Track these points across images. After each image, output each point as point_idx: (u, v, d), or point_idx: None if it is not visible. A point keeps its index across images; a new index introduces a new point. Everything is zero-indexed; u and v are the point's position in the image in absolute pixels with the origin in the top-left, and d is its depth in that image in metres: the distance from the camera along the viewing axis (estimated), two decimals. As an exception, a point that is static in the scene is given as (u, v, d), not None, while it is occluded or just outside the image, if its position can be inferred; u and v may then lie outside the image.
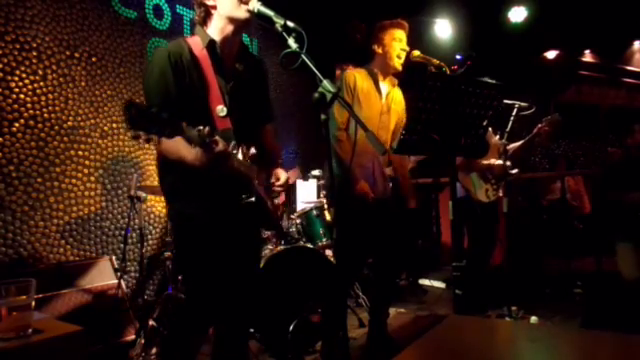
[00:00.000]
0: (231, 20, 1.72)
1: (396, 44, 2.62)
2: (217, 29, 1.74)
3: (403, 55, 2.62)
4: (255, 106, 1.90)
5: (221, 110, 1.55)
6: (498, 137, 3.50)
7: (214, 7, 1.72)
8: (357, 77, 2.65)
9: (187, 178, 1.67)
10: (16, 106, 2.82)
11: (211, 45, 1.72)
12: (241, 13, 1.69)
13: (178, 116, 1.41)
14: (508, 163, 3.30)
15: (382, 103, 2.68)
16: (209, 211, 1.69)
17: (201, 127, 1.46)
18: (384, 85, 2.72)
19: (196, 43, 1.71)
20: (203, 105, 1.64)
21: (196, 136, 1.46)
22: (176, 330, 1.83)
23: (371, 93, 2.65)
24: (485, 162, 3.42)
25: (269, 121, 2.00)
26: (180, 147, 1.54)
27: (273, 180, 1.89)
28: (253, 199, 1.73)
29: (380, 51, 2.68)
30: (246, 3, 1.67)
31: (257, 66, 1.94)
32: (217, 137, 1.52)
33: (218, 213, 1.70)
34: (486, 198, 3.45)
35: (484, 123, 2.01)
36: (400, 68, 2.65)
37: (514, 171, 3.36)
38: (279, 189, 1.93)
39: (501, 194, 3.51)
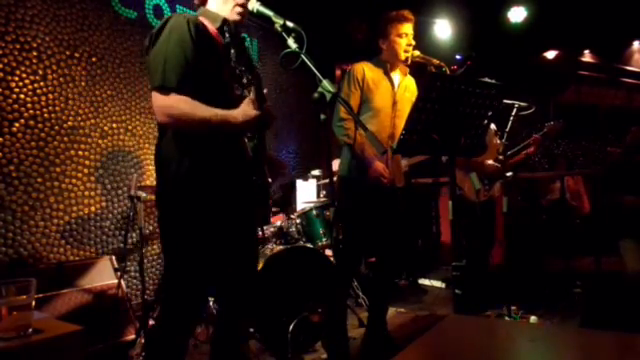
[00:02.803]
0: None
1: (401, 40, 2.58)
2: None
3: (410, 49, 2.59)
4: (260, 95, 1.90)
5: (237, 89, 1.52)
6: (497, 140, 3.51)
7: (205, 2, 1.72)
8: (365, 68, 2.65)
9: (205, 165, 1.57)
10: (16, 106, 2.82)
11: (224, 24, 1.67)
12: (234, 16, 1.68)
13: (195, 88, 1.41)
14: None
15: (394, 92, 2.67)
16: (223, 189, 1.60)
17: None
18: (396, 75, 2.71)
19: (207, 22, 1.65)
20: (221, 80, 1.58)
21: (260, 91, 1.48)
22: (160, 331, 1.72)
23: (381, 83, 2.65)
24: (480, 160, 3.42)
25: None
26: (208, 107, 1.49)
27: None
28: (264, 180, 1.71)
29: (385, 47, 2.67)
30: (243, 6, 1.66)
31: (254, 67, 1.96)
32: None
33: (231, 193, 1.63)
34: (476, 198, 3.46)
35: (484, 123, 2.02)
36: (408, 62, 2.62)
37: (508, 174, 3.37)
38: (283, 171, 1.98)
39: (497, 193, 3.53)
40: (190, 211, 1.57)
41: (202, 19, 1.65)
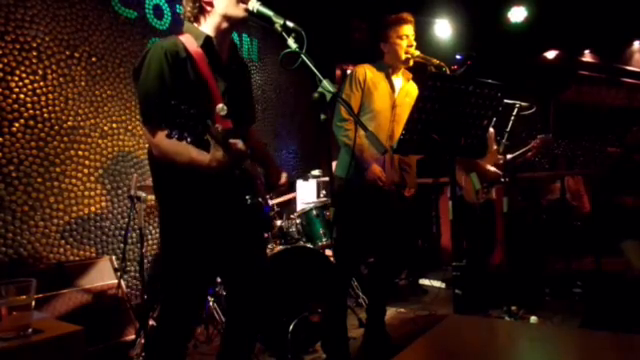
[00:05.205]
0: (227, 18, 1.69)
1: (402, 42, 2.59)
2: (211, 26, 1.70)
3: (411, 50, 2.59)
4: (245, 107, 1.89)
5: (222, 109, 1.51)
6: (495, 145, 3.51)
7: (210, 4, 1.69)
8: (367, 71, 2.66)
9: (194, 180, 1.62)
10: (16, 106, 2.82)
11: (208, 42, 1.68)
12: (239, 12, 1.67)
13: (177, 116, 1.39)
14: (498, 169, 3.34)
15: (394, 96, 2.67)
16: (215, 213, 1.65)
17: (218, 126, 1.45)
18: (397, 79, 2.71)
19: (189, 41, 1.65)
20: (204, 104, 1.59)
21: (220, 135, 1.44)
22: (159, 335, 1.75)
23: (382, 86, 2.65)
24: (483, 164, 3.42)
25: (253, 122, 2.00)
26: (189, 148, 1.51)
27: (282, 181, 1.93)
28: (257, 201, 1.73)
29: (386, 50, 2.67)
30: (244, 2, 1.67)
31: (244, 66, 1.94)
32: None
33: (223, 215, 1.67)
34: (475, 200, 3.46)
35: (484, 123, 2.01)
36: (410, 63, 2.63)
37: (506, 179, 3.37)
38: (282, 188, 1.96)
39: (494, 196, 3.53)
40: (180, 219, 1.65)
41: (184, 38, 1.65)
